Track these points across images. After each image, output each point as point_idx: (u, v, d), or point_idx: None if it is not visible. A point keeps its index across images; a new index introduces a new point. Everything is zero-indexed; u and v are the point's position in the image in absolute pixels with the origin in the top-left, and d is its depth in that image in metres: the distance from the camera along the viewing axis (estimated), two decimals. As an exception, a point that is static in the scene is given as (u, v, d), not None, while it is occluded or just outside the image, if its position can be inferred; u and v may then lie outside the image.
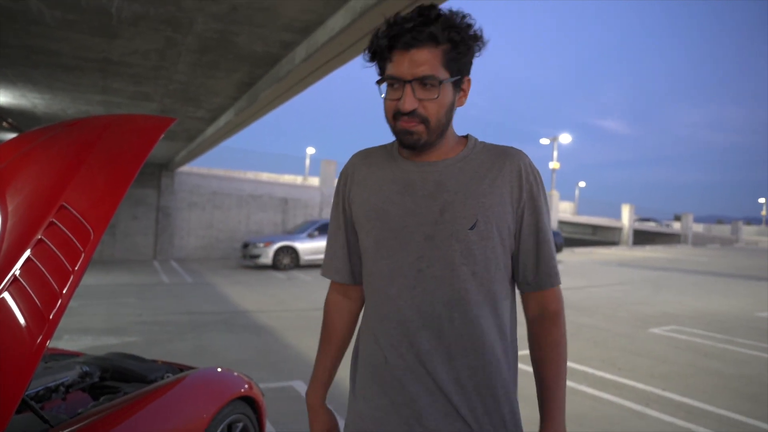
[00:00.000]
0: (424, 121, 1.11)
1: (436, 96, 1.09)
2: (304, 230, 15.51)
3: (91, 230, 2.14)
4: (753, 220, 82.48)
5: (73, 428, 1.95)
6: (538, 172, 1.21)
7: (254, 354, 5.70)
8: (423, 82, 1.08)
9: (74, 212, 2.17)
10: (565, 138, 29.77)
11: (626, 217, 33.67)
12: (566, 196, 39.80)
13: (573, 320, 7.94)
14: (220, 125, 8.86)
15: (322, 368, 1.42)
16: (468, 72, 1.16)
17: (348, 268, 1.33)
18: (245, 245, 15.19)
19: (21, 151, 2.51)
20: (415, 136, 1.12)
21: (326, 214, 20.11)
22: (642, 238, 36.67)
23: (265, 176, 24.21)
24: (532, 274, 1.21)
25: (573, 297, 10.38)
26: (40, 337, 1.93)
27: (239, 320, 7.49)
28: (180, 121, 9.20)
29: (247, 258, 14.96)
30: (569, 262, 19.16)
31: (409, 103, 1.09)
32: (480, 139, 1.26)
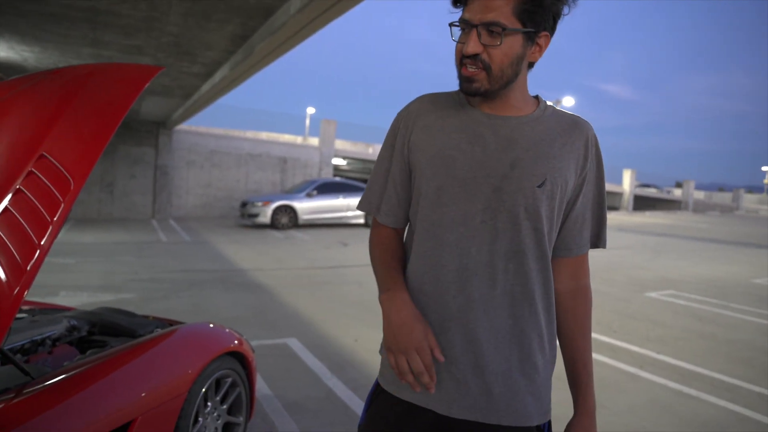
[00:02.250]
0: (486, 68, 1.11)
1: (498, 43, 1.09)
2: (302, 190, 15.44)
3: (71, 180, 2.07)
4: (755, 189, 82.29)
5: (55, 381, 1.92)
6: (599, 143, 1.25)
7: (250, 312, 5.70)
8: (489, 28, 1.08)
9: (55, 162, 2.09)
10: (568, 101, 29.30)
11: (627, 183, 33.52)
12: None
13: (570, 283, 7.94)
14: (215, 81, 8.67)
15: (398, 274, 1.22)
16: (547, 28, 1.14)
17: (400, 212, 1.29)
18: (243, 204, 15.14)
19: (0, 99, 2.41)
20: (476, 84, 1.13)
21: (325, 174, 20.02)
22: (642, 203, 36.62)
23: (264, 135, 23.96)
24: (580, 237, 1.25)
25: (571, 260, 10.38)
26: (17, 289, 1.88)
27: (236, 278, 7.49)
28: (175, 77, 9.00)
29: (245, 217, 14.94)
30: (568, 226, 19.11)
31: (471, 46, 1.09)
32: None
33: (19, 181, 2.06)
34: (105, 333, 2.72)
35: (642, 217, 26.55)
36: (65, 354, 2.46)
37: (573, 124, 1.22)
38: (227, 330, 2.85)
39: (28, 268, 1.92)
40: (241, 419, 2.73)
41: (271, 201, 14.66)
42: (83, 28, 6.38)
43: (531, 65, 1.20)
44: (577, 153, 1.19)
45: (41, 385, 1.88)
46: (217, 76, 8.47)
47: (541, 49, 1.17)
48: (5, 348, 2.21)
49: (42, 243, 1.95)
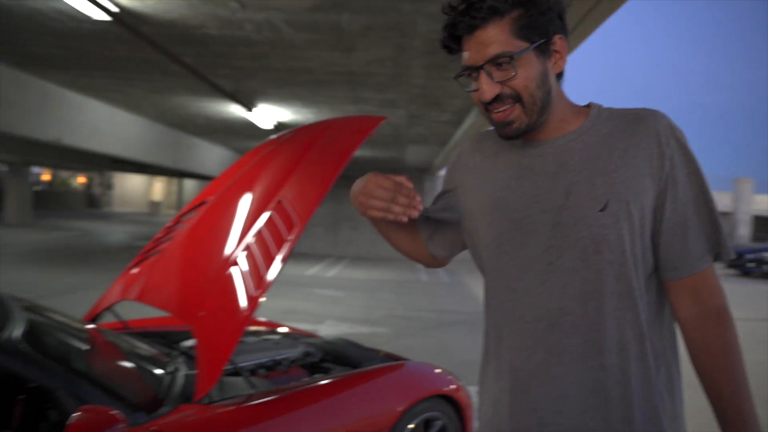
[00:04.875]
0: (518, 99, 0.99)
1: (513, 74, 0.97)
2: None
3: (297, 222, 2.38)
4: None
5: (271, 397, 2.14)
6: (681, 131, 1.02)
7: (488, 355, 5.59)
8: (496, 63, 0.98)
9: (288, 206, 2.45)
10: None
11: None
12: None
13: None
14: (465, 128, 9.00)
15: None
16: (558, 30, 1.02)
17: (428, 236, 1.29)
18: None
19: (261, 154, 2.95)
20: (515, 125, 1.01)
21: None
22: None
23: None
24: (686, 252, 1.00)
25: None
26: (245, 313, 2.22)
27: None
28: (428, 126, 9.66)
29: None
30: None
31: (487, 91, 0.99)
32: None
33: (262, 221, 2.46)
34: (335, 361, 2.96)
35: None
36: (296, 375, 2.74)
37: (636, 119, 1.02)
38: (448, 376, 2.85)
39: (256, 295, 2.24)
40: None
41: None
42: (344, 89, 7.36)
43: (560, 75, 1.06)
44: (647, 153, 0.99)
45: (259, 400, 2.11)
46: (466, 123, 8.79)
47: (562, 55, 1.03)
48: (253, 363, 2.56)
49: (267, 277, 2.25)
